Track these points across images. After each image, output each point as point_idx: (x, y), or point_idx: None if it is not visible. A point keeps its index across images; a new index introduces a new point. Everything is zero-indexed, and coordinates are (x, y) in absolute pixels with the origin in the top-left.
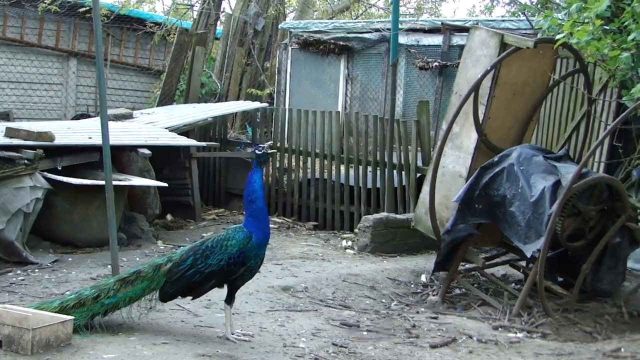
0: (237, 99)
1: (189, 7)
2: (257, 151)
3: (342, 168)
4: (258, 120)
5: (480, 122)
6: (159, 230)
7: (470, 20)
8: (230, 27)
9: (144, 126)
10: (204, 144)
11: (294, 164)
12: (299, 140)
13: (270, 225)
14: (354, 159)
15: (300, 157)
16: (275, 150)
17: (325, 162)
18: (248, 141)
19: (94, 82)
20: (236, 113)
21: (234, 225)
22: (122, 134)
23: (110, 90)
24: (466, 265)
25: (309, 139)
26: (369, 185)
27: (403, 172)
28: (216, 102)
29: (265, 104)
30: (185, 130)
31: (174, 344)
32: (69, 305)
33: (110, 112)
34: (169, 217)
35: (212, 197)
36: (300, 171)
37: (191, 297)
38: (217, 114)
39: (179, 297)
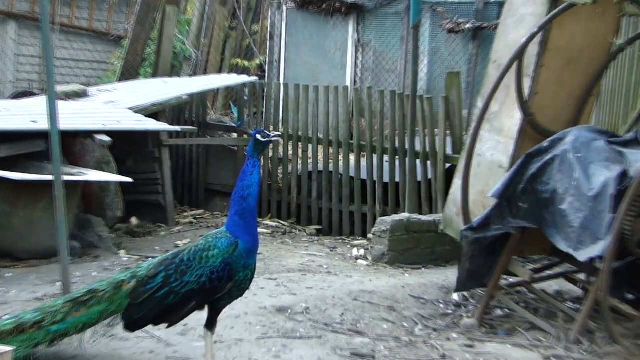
0: (219, 71)
1: None
2: (258, 136)
3: (352, 158)
4: (246, 98)
5: (526, 98)
6: (122, 238)
7: None
8: None
9: (102, 106)
10: (177, 128)
11: (290, 152)
12: (297, 124)
13: (262, 230)
14: (366, 146)
15: (299, 144)
16: (280, 136)
17: (331, 150)
18: (238, 121)
19: (39, 51)
20: (218, 89)
21: (215, 231)
22: (74, 116)
23: (60, 61)
24: (509, 280)
25: (310, 121)
26: (386, 179)
27: (428, 163)
28: (192, 75)
29: (254, 78)
30: (154, 112)
31: None
32: (4, 331)
33: (59, 89)
34: (134, 220)
35: (189, 195)
36: (299, 162)
37: (166, 325)
38: (194, 91)
39: (151, 324)
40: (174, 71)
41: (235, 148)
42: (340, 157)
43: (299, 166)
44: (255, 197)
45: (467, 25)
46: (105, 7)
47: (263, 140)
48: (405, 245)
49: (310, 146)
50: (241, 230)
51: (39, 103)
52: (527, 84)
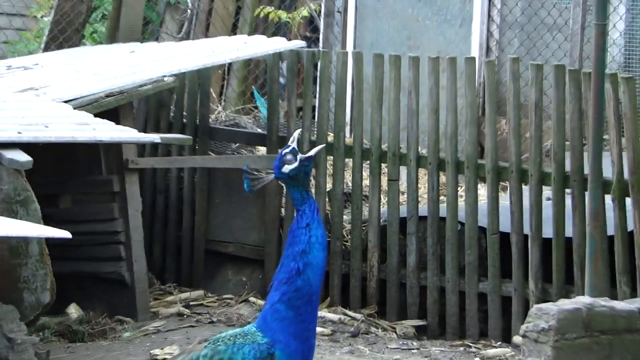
0: (233, 31)
1: None
2: (287, 158)
3: (482, 191)
4: (282, 80)
5: None
6: (51, 343)
7: None
8: None
9: (14, 98)
10: (155, 137)
11: (367, 182)
12: (378, 129)
13: (317, 329)
14: (508, 169)
15: (382, 166)
16: (319, 149)
17: (442, 177)
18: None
19: None
20: (229, 65)
21: (234, 330)
22: None
23: None
24: None
25: (404, 124)
26: (547, 233)
27: (628, 200)
28: (184, 38)
29: (298, 43)
30: (111, 107)
31: None
32: None
33: None
34: (73, 310)
35: (176, 262)
36: (383, 200)
37: None
38: (185, 68)
39: None
40: (147, 31)
41: (263, 174)
42: (461, 191)
43: (383, 208)
44: (319, 270)
45: None
46: None
47: (304, 161)
48: (585, 357)
49: (403, 171)
50: (285, 330)
51: None
52: None
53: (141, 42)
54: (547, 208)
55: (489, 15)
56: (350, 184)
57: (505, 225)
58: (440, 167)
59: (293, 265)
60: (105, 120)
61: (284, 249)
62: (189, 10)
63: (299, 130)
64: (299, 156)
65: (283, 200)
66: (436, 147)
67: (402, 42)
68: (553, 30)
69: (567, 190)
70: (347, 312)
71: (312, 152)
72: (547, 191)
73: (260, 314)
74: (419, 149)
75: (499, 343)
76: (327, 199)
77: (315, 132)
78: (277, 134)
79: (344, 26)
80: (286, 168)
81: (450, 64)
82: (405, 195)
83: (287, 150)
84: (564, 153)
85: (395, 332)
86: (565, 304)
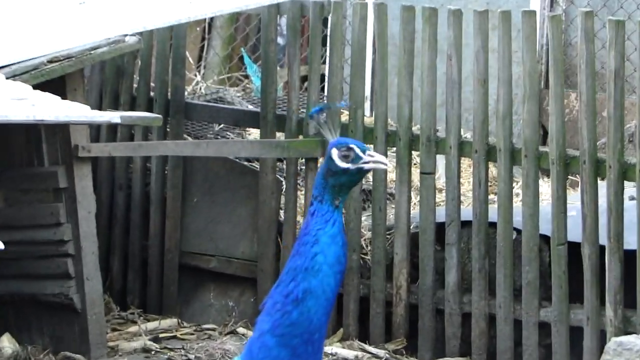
0: None
1: None
2: (335, 156)
3: (545, 187)
4: (281, 40)
5: None
6: None
7: None
8: None
9: None
10: (113, 115)
11: (392, 176)
12: (407, 106)
13: None
14: (579, 158)
15: (413, 154)
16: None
17: (492, 169)
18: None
19: None
20: (210, 20)
21: None
22: None
23: None
24: None
25: (441, 99)
26: (630, 244)
27: None
28: None
29: None
30: (55, 76)
31: None
32: None
33: None
34: (6, 343)
35: (140, 280)
36: (415, 200)
37: None
38: (153, 25)
39: None
40: None
41: (257, 166)
42: (517, 188)
43: (414, 210)
44: (326, 302)
45: None
46: None
47: (350, 167)
48: None
49: (441, 161)
50: None
51: None
52: None
53: None
54: (631, 210)
55: None
56: (370, 179)
57: (575, 233)
58: (489, 156)
59: (291, 287)
60: (47, 94)
61: (293, 250)
62: None
63: (379, 160)
64: (359, 151)
65: (282, 199)
66: (484, 130)
67: None
68: None
69: None
70: (367, 347)
71: (373, 161)
72: (630, 188)
73: (247, 342)
74: (462, 133)
75: None
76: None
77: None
78: (274, 111)
79: None
80: (339, 157)
81: (503, 20)
82: (444, 194)
83: (349, 143)
84: None
85: None
86: None
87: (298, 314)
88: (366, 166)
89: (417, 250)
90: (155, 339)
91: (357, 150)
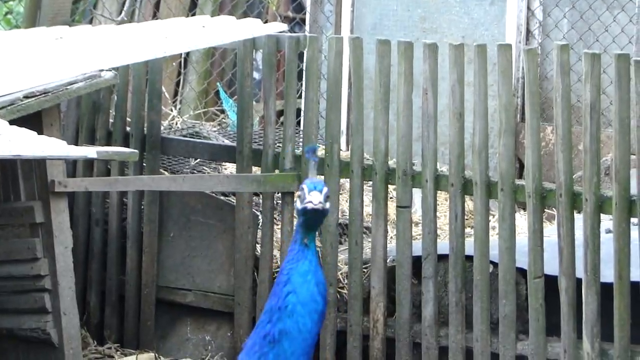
0: (189, 12)
1: None
2: (300, 203)
3: (521, 219)
4: (257, 75)
5: None
6: None
7: None
8: None
9: None
10: (89, 151)
11: (368, 209)
12: (383, 140)
13: None
14: (555, 192)
15: (389, 188)
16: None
17: (469, 203)
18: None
19: None
20: (186, 55)
21: None
22: None
23: None
24: None
25: (417, 132)
26: (606, 277)
27: None
28: (127, 20)
29: (278, 26)
30: (31, 111)
31: None
32: None
33: None
34: None
35: (118, 315)
36: (391, 234)
37: None
38: (129, 60)
39: None
40: (78, 11)
41: (234, 201)
42: (493, 221)
43: (390, 244)
44: (303, 342)
45: None
46: None
47: (298, 207)
48: None
49: (417, 195)
50: None
51: None
52: None
53: (70, 25)
54: (607, 243)
55: None
56: (347, 212)
57: (551, 266)
58: (466, 189)
59: (268, 329)
60: (23, 129)
61: (272, 292)
62: None
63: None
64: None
65: (259, 234)
66: (460, 164)
67: (414, 24)
68: (614, 8)
69: (634, 220)
70: None
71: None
72: (606, 221)
73: None
74: (438, 166)
75: None
76: (316, 232)
77: (301, 144)
78: (250, 146)
79: (338, 3)
80: (297, 203)
81: (479, 53)
82: (420, 227)
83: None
84: (628, 171)
85: None
86: None
87: (274, 356)
88: (301, 206)
89: (393, 283)
90: None
91: (305, 191)
